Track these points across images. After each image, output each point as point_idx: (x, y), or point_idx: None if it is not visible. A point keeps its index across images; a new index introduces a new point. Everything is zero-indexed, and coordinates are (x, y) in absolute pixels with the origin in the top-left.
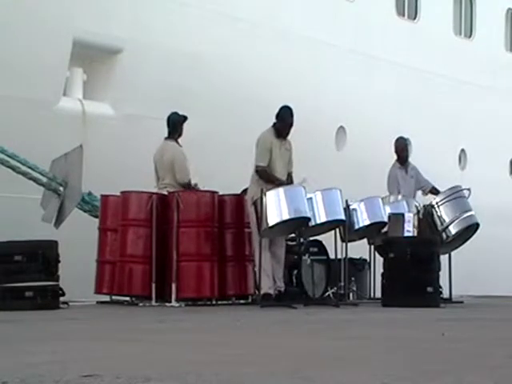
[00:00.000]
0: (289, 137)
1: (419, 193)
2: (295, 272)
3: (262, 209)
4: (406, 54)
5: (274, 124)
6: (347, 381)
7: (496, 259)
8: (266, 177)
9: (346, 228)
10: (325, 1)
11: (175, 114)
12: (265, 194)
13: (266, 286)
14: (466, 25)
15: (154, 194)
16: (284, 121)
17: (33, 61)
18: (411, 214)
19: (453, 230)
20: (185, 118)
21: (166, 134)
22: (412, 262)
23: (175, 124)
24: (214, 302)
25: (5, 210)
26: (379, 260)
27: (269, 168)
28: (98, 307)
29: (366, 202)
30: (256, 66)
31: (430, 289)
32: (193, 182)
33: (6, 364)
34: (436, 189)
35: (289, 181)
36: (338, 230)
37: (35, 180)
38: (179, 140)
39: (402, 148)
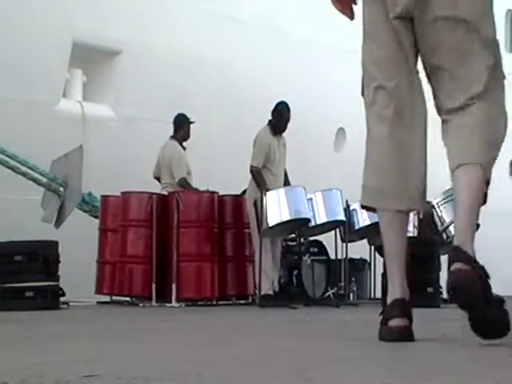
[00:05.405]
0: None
1: None
2: (295, 272)
3: (262, 209)
4: None
5: (270, 121)
6: (347, 381)
7: (496, 259)
8: (259, 179)
9: (346, 228)
10: (324, 1)
11: (181, 114)
12: (265, 194)
13: (266, 287)
14: None
15: (154, 194)
16: (281, 116)
17: (32, 62)
18: (411, 214)
19: (453, 230)
20: (190, 121)
21: (166, 136)
22: (412, 262)
23: (178, 124)
24: (214, 302)
25: (5, 211)
26: (379, 260)
27: (265, 169)
28: (98, 307)
29: None
30: (256, 68)
31: (429, 289)
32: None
33: (6, 364)
34: None
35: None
36: (338, 230)
37: (35, 180)
38: (184, 143)
39: None
